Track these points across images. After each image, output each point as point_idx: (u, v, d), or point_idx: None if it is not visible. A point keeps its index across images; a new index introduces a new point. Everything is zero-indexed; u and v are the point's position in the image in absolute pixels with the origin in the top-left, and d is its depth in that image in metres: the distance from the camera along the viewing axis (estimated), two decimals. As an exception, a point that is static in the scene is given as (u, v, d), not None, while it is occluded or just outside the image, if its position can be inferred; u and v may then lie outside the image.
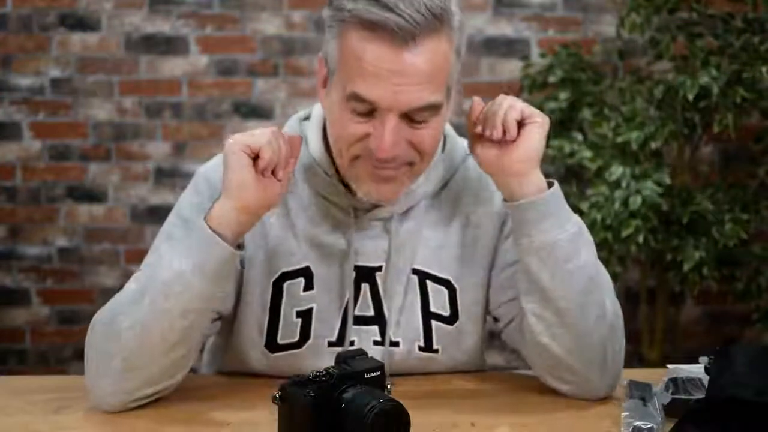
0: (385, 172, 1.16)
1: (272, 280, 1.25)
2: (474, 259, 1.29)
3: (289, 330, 1.26)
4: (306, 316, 1.25)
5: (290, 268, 1.25)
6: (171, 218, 1.26)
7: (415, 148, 1.15)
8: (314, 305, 1.25)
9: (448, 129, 1.31)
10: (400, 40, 1.08)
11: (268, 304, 1.25)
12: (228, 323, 1.29)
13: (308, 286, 1.25)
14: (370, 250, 1.26)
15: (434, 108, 1.14)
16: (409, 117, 1.13)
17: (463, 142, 1.33)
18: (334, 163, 1.24)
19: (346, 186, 1.24)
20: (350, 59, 1.11)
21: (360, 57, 1.10)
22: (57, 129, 3.09)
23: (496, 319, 1.31)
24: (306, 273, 1.25)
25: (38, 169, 3.10)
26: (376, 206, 1.25)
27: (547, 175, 1.20)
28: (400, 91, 1.10)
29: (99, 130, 3.09)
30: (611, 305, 1.20)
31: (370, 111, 1.12)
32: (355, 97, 1.11)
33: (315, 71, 1.24)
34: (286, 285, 1.25)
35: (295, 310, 1.25)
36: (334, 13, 1.13)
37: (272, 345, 1.26)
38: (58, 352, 3.13)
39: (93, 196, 3.11)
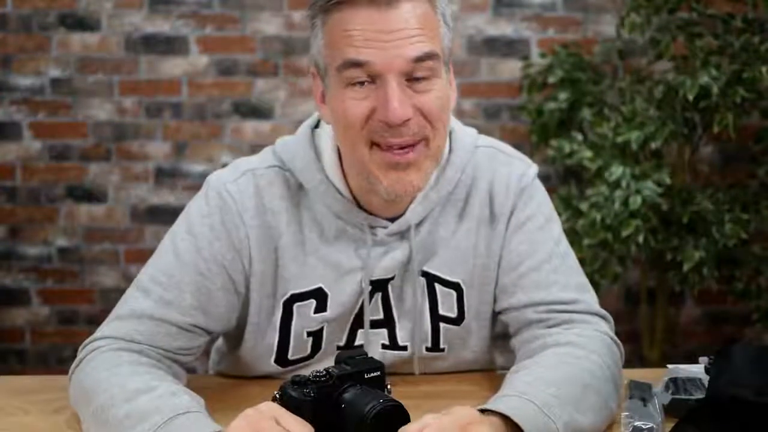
0: (405, 156, 1.12)
1: (282, 302, 1.23)
2: (486, 259, 1.26)
3: (300, 348, 1.25)
4: (317, 334, 1.24)
5: (300, 290, 1.22)
6: (180, 229, 1.22)
7: (424, 117, 1.12)
8: (325, 325, 1.24)
9: (454, 122, 1.28)
10: (380, 3, 1.08)
11: (278, 325, 1.23)
12: (236, 337, 1.28)
13: (319, 308, 1.23)
14: (387, 264, 1.23)
15: (431, 58, 1.11)
16: (409, 79, 1.11)
17: (470, 133, 1.30)
18: (347, 182, 1.22)
19: (360, 206, 1.22)
20: (337, 37, 1.11)
21: (345, 29, 1.10)
22: (57, 129, 3.09)
23: (507, 324, 1.29)
24: (317, 294, 1.23)
25: (38, 169, 3.10)
26: (392, 219, 1.23)
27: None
28: (391, 47, 1.08)
29: (99, 130, 3.09)
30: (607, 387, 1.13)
31: (368, 80, 1.10)
32: (350, 64, 1.10)
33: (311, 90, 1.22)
34: (295, 307, 1.23)
35: (305, 330, 1.24)
36: (313, 10, 1.14)
37: (282, 360, 1.25)
38: (58, 352, 3.13)
39: (93, 196, 3.11)
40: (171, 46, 3.07)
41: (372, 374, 1.03)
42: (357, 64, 1.09)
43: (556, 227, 1.29)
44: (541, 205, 1.29)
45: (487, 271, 1.26)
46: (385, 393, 1.02)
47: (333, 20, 1.11)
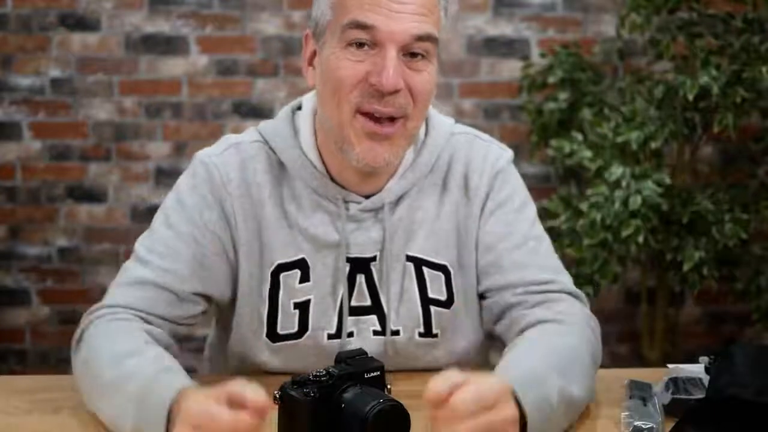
0: (383, 129, 1.16)
1: (270, 271, 1.25)
2: (465, 241, 1.30)
3: (287, 321, 1.26)
4: (303, 307, 1.26)
5: (285, 260, 1.25)
6: (171, 202, 1.27)
7: (411, 94, 1.16)
8: (311, 297, 1.26)
9: (430, 109, 1.31)
10: None
11: (267, 295, 1.26)
12: (227, 317, 1.30)
13: (304, 278, 1.26)
14: (363, 241, 1.26)
15: (430, 40, 1.15)
16: (407, 54, 1.15)
17: (446, 121, 1.34)
18: (323, 159, 1.26)
19: (335, 181, 1.25)
20: None
21: None
22: (57, 129, 3.09)
23: (490, 310, 1.31)
24: (301, 265, 1.26)
25: (38, 169, 3.10)
26: (367, 197, 1.26)
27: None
28: (399, 18, 1.13)
29: (99, 130, 3.09)
30: (590, 355, 1.17)
31: (369, 43, 1.14)
32: (355, 25, 1.13)
33: (302, 52, 1.25)
34: (282, 276, 1.26)
35: (292, 301, 1.26)
36: None
37: (273, 334, 1.27)
38: (58, 352, 3.13)
39: (93, 196, 3.11)
40: (171, 46, 3.07)
41: (372, 374, 1.03)
42: (362, 26, 1.13)
43: (531, 210, 1.33)
44: (516, 188, 1.33)
45: (467, 251, 1.30)
46: (385, 393, 1.02)
47: None
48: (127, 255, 1.26)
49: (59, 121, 3.09)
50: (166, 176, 3.11)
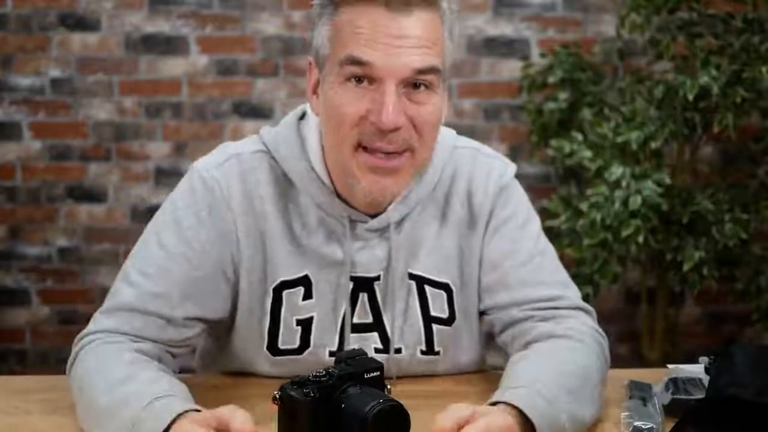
0: (389, 162, 1.13)
1: (272, 288, 1.23)
2: (468, 258, 1.28)
3: (289, 336, 1.24)
4: (305, 324, 1.24)
5: (289, 278, 1.23)
6: (166, 218, 1.22)
7: (415, 128, 1.13)
8: (314, 314, 1.24)
9: None
10: (395, 7, 1.09)
11: (268, 311, 1.23)
12: (225, 329, 1.28)
13: (307, 295, 1.24)
14: (367, 260, 1.24)
15: (432, 72, 1.11)
16: (408, 87, 1.11)
17: (448, 134, 1.31)
18: (329, 174, 1.22)
19: (341, 198, 1.22)
20: (345, 32, 1.11)
21: (355, 25, 1.10)
22: (57, 129, 3.09)
23: (491, 324, 1.30)
24: (304, 282, 1.23)
25: (38, 169, 3.10)
26: (372, 216, 1.23)
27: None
28: (397, 53, 1.09)
29: (99, 130, 3.09)
30: (599, 375, 1.17)
31: (367, 79, 1.10)
32: (352, 61, 1.09)
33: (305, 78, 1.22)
34: (285, 294, 1.23)
35: (294, 318, 1.24)
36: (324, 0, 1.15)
37: (274, 349, 1.25)
38: (58, 352, 3.13)
39: (93, 196, 3.11)
40: (171, 46, 3.07)
41: (372, 374, 1.02)
42: (359, 63, 1.09)
43: (535, 225, 1.31)
44: (519, 204, 1.31)
45: (470, 269, 1.28)
46: (385, 393, 1.02)
47: (344, 14, 1.11)
48: (127, 255, 1.24)
49: (59, 121, 3.09)
50: (166, 176, 3.11)
